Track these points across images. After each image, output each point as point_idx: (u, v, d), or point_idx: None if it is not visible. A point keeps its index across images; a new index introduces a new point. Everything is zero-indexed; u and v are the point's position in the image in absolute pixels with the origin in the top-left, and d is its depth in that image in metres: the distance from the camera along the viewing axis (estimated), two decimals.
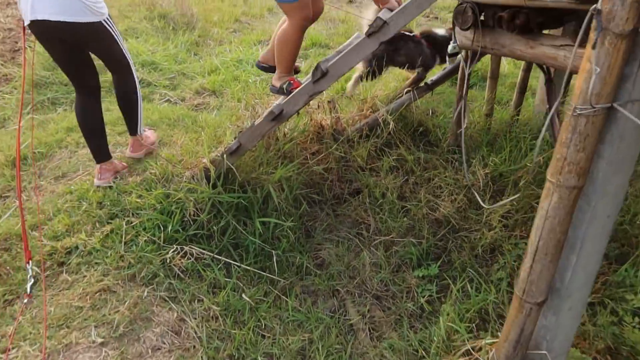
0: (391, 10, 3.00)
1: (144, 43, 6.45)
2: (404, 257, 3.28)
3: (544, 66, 3.37)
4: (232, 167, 3.22)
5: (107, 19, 3.29)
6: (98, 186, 3.52)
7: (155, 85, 5.50)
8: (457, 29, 2.75)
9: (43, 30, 3.09)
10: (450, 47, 2.82)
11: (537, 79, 4.83)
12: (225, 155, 3.19)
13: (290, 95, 3.11)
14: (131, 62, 3.65)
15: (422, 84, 4.18)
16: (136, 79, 3.75)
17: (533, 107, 4.44)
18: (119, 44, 3.46)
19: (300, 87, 3.08)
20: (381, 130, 3.95)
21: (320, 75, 2.90)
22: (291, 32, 3.27)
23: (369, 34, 2.76)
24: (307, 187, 3.64)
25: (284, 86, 3.33)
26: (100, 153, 3.57)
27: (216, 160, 3.29)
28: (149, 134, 4.13)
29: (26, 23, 3.08)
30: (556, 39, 2.32)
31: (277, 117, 3.05)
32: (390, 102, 4.16)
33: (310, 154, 3.80)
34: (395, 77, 5.06)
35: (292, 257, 3.22)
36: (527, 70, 4.26)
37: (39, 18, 3.00)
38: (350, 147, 3.93)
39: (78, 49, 3.30)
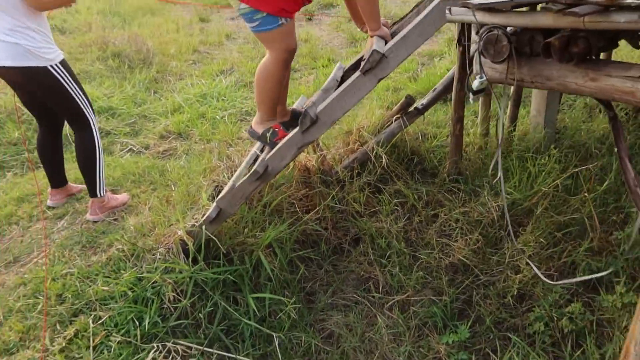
0: (384, 40, 2.44)
1: (99, 87, 5.77)
2: (425, 318, 2.70)
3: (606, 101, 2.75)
4: (214, 237, 2.60)
5: (56, 65, 3.01)
6: (50, 207, 3.54)
7: (114, 133, 4.82)
8: (483, 60, 2.17)
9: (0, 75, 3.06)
10: (476, 83, 2.25)
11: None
12: (204, 226, 2.58)
13: (276, 148, 2.51)
14: (91, 116, 3.25)
15: (411, 109, 3.62)
16: (96, 135, 3.28)
17: (529, 119, 3.93)
18: (73, 93, 3.11)
19: (287, 137, 2.48)
20: (373, 164, 3.38)
21: (310, 123, 2.31)
22: (273, 66, 2.67)
23: (365, 71, 2.18)
24: (301, 244, 3.04)
25: (268, 135, 2.73)
26: (56, 180, 3.56)
27: (193, 231, 2.67)
28: (117, 196, 3.53)
29: None
30: (630, 67, 1.77)
31: (262, 176, 2.45)
32: (377, 132, 3.59)
33: (298, 200, 3.21)
34: (380, 105, 4.51)
35: (296, 336, 2.62)
36: None
37: None
38: (341, 188, 3.35)
39: (33, 93, 3.18)
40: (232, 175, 3.26)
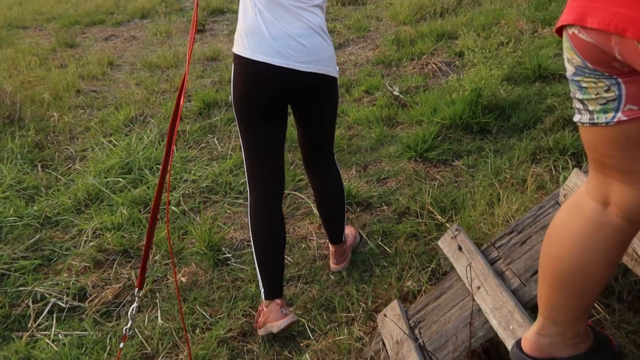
0: None
1: None
2: None
3: None
4: None
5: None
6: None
7: (14, 276, 2.50)
8: None
9: (281, 79, 1.78)
10: None
11: None
12: None
13: None
14: None
15: None
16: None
17: None
18: None
19: None
20: None
21: None
22: None
23: None
24: None
25: None
26: (277, 284, 1.94)
27: None
28: (347, 232, 2.34)
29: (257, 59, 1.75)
30: None
31: None
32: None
33: None
34: None
35: None
36: None
37: (287, 66, 1.75)
38: None
39: (283, 118, 1.93)
40: None
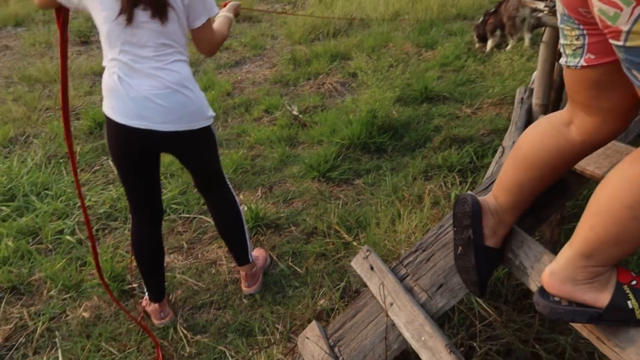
0: None
1: None
2: None
3: None
4: None
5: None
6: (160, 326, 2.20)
7: None
8: None
9: (143, 139, 1.87)
10: None
11: None
12: None
13: None
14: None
15: None
16: (234, 194, 2.22)
17: None
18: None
19: None
20: None
21: None
22: None
23: None
24: None
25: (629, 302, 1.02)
26: (161, 288, 2.22)
27: None
28: (256, 254, 2.44)
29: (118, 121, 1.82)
30: None
31: None
32: None
33: None
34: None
35: None
36: None
37: (146, 127, 1.82)
38: None
39: (154, 165, 2.03)
40: None
